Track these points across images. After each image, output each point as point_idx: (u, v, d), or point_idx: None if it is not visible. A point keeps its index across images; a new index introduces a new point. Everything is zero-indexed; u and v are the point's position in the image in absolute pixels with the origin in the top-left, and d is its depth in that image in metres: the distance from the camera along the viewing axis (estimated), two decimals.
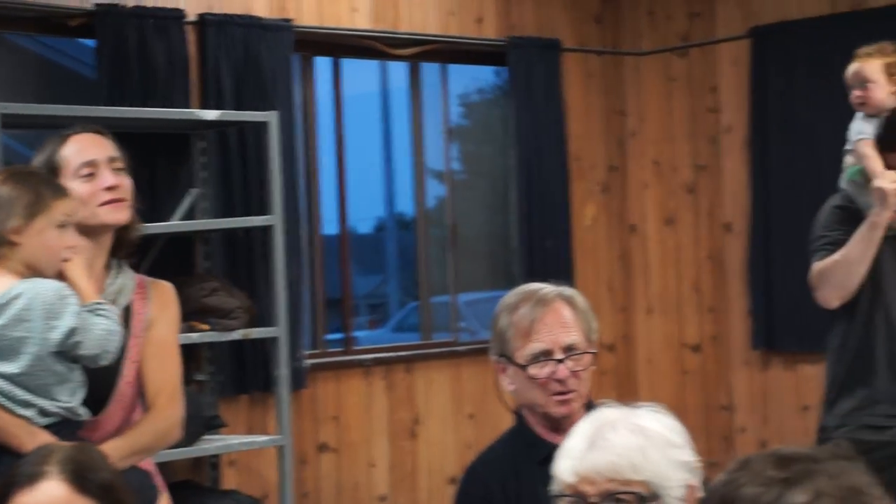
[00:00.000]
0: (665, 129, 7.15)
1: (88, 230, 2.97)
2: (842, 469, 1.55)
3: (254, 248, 5.61)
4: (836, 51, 6.29)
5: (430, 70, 6.73)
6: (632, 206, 7.24)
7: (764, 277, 6.65)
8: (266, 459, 5.67)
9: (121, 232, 3.05)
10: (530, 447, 2.75)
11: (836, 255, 4.00)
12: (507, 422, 2.92)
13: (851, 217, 4.06)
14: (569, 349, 2.73)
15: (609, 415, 2.13)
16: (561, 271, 6.47)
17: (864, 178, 4.07)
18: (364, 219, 11.31)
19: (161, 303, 3.09)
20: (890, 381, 4.01)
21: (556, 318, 2.74)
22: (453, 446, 6.44)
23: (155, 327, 3.05)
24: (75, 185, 2.95)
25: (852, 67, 4.19)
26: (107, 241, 3.03)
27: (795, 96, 6.50)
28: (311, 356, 6.01)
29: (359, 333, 10.70)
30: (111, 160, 3.01)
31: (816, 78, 6.39)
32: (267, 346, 5.41)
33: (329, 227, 6.52)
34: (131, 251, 3.12)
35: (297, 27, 5.91)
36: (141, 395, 3.04)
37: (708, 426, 6.96)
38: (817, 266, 4.05)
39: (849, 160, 4.19)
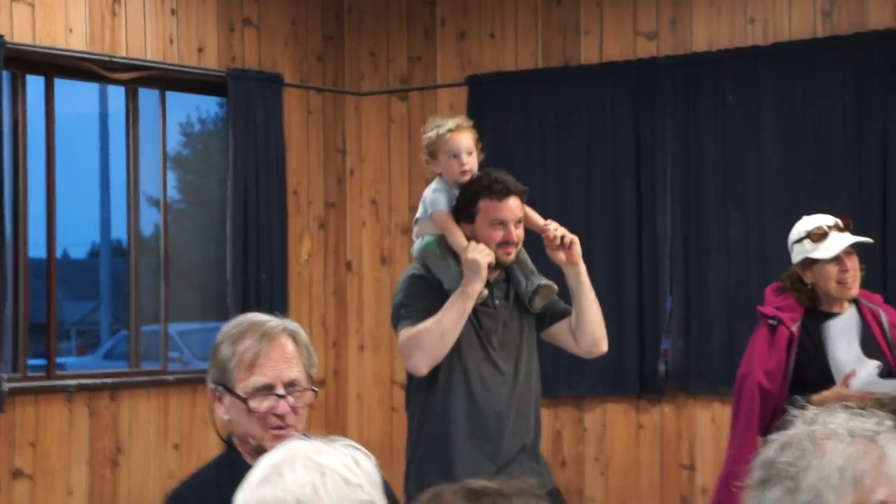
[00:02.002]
0: (384, 170, 7.24)
1: None
2: None
3: None
4: (547, 102, 6.61)
5: (148, 96, 6.63)
6: (348, 243, 7.29)
7: None
8: None
9: None
10: (237, 475, 2.72)
11: (429, 324, 4.02)
12: (213, 452, 2.88)
13: (431, 286, 4.10)
14: (291, 385, 2.70)
15: (294, 449, 2.11)
16: (275, 305, 6.45)
17: (441, 248, 4.10)
18: (79, 244, 11.00)
19: None
20: (467, 444, 4.08)
21: (280, 352, 2.70)
22: (156, 476, 6.32)
23: None
24: None
25: (464, 136, 4.18)
26: None
27: (509, 143, 6.71)
28: (11, 380, 5.80)
29: (67, 359, 10.39)
30: None
31: (528, 126, 6.63)
32: None
33: (37, 250, 6.31)
34: None
35: (9, 44, 5.73)
36: None
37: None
38: (407, 333, 4.05)
39: (417, 230, 4.22)
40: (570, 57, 6.65)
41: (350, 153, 7.29)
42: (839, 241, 4.21)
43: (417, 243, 4.22)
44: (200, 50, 6.58)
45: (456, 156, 4.13)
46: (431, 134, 4.20)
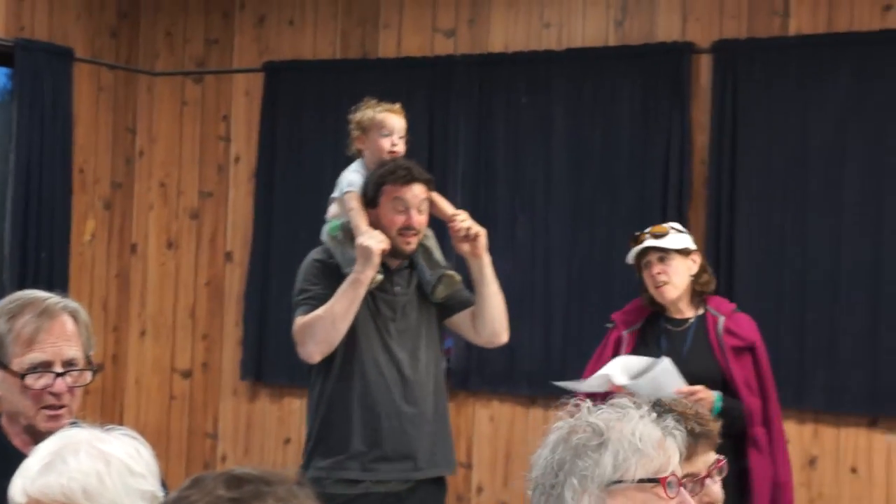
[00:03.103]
0: (174, 153, 7.12)
1: None
2: (292, 493, 1.58)
3: None
4: (344, 93, 6.59)
5: None
6: (134, 225, 7.14)
7: (258, 309, 6.74)
8: None
9: None
10: (5, 459, 2.64)
11: (320, 311, 4.04)
12: None
13: (332, 272, 4.12)
14: (69, 363, 2.67)
15: (75, 436, 2.06)
16: (55, 285, 6.26)
17: (345, 233, 4.14)
18: None
19: None
20: (363, 434, 4.11)
21: (60, 330, 2.67)
22: None
23: None
24: None
25: (400, 119, 4.28)
26: None
27: (304, 132, 6.67)
28: None
29: None
30: None
31: (324, 116, 6.61)
32: None
33: None
34: None
35: None
36: None
37: (190, 453, 6.95)
38: (301, 321, 4.08)
39: (333, 210, 4.27)
40: (369, 49, 6.66)
41: (140, 134, 7.14)
42: (641, 246, 4.32)
43: (325, 228, 4.22)
44: None
45: (388, 135, 4.19)
46: (367, 111, 4.28)
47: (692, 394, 4.05)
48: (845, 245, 5.56)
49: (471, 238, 4.18)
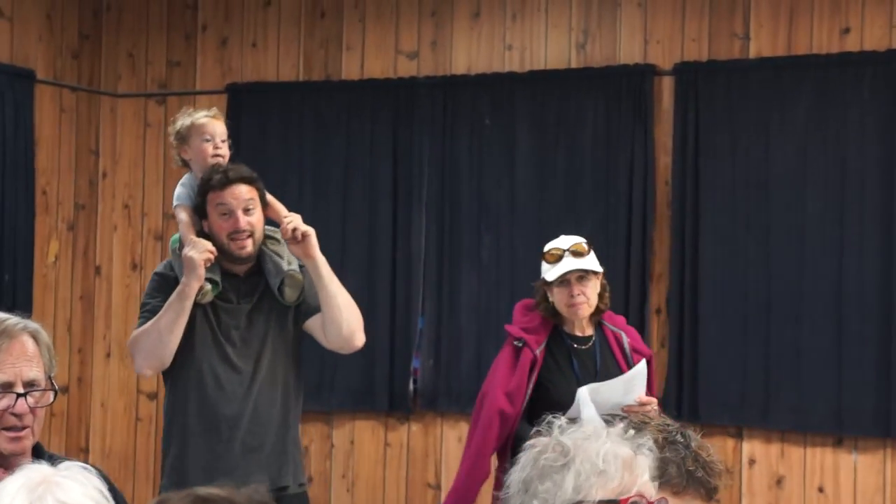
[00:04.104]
0: (138, 174, 7.09)
1: None
2: None
3: None
4: (307, 115, 6.59)
5: None
6: (99, 247, 7.11)
7: None
8: None
9: None
10: None
11: (147, 326, 3.99)
12: None
13: (171, 284, 4.05)
14: (30, 384, 2.63)
15: (38, 486, 2.03)
16: (18, 306, 6.19)
17: (181, 245, 4.06)
18: None
19: None
20: (199, 444, 4.06)
21: (21, 350, 2.63)
22: None
23: None
24: None
25: (219, 123, 4.18)
26: None
27: (267, 153, 6.65)
28: None
29: None
30: None
31: (287, 138, 6.61)
32: None
33: None
34: None
35: None
36: None
37: (157, 475, 6.89)
38: (133, 334, 4.05)
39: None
40: (332, 71, 6.65)
41: (104, 155, 7.11)
42: (565, 266, 4.31)
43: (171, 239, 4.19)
44: None
45: (209, 140, 4.11)
46: (185, 120, 4.16)
47: (648, 403, 4.13)
48: (808, 264, 5.61)
49: (299, 239, 4.03)
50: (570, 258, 4.32)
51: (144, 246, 7.08)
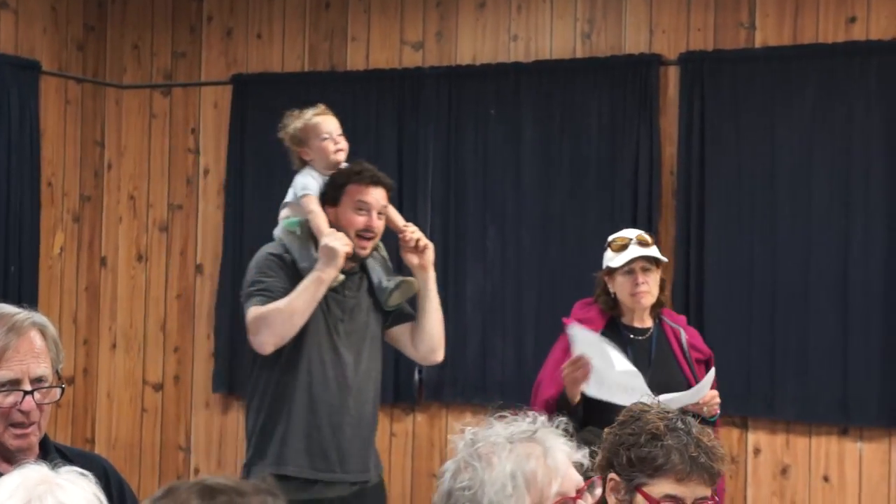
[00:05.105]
0: (143, 165, 7.10)
1: None
2: (265, 503, 1.59)
3: None
4: (312, 106, 6.58)
5: None
6: (104, 238, 7.12)
7: (229, 321, 6.72)
8: None
9: None
10: None
11: (280, 304, 4.05)
12: None
13: (287, 266, 4.14)
14: (38, 381, 2.63)
15: (38, 485, 2.03)
16: (24, 299, 6.16)
17: (304, 231, 4.16)
18: None
19: None
20: (302, 429, 4.12)
21: (28, 347, 2.62)
22: None
23: None
24: None
25: (332, 119, 4.32)
26: None
27: (272, 145, 6.61)
28: None
29: None
30: None
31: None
32: None
33: None
34: None
35: None
36: None
37: (163, 466, 6.94)
38: (256, 311, 4.08)
39: (285, 213, 4.28)
40: (337, 62, 6.65)
41: (109, 146, 7.11)
42: (632, 253, 4.35)
43: (281, 224, 4.22)
44: None
45: (328, 137, 4.22)
46: (297, 123, 4.30)
47: (712, 399, 4.22)
48: (814, 255, 5.60)
49: (420, 250, 4.23)
50: (636, 247, 4.36)
51: (150, 237, 7.09)
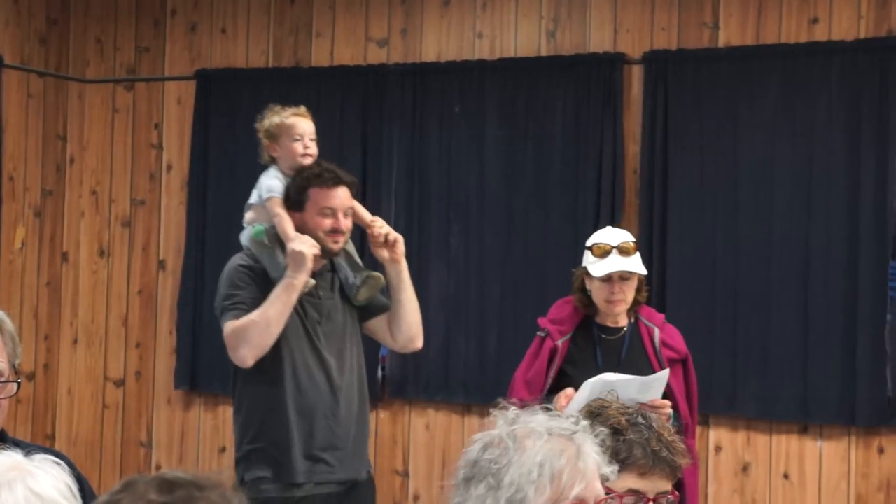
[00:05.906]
0: (105, 160, 7.06)
1: None
2: (224, 498, 1.58)
3: None
4: (276, 101, 6.54)
5: None
6: (66, 233, 7.07)
7: (192, 317, 6.70)
8: None
9: None
10: None
11: (253, 316, 4.05)
12: None
13: (258, 276, 4.14)
14: None
15: (8, 471, 2.02)
16: None
17: (272, 238, 4.15)
18: None
19: None
20: (300, 438, 4.13)
21: None
22: None
23: None
24: None
25: (308, 122, 4.31)
26: None
27: (236, 141, 6.64)
28: None
29: None
30: None
31: (255, 122, 6.56)
32: None
33: None
34: None
35: None
36: None
37: (124, 462, 6.90)
38: (232, 326, 4.08)
39: (250, 216, 4.26)
40: (302, 58, 6.64)
41: (71, 141, 7.07)
42: (612, 265, 4.27)
43: (247, 231, 4.22)
44: None
45: (299, 139, 4.20)
46: (275, 119, 4.28)
47: (662, 406, 4.09)
48: (776, 254, 5.64)
49: (390, 244, 4.24)
50: (617, 256, 4.28)
51: (112, 232, 7.05)
